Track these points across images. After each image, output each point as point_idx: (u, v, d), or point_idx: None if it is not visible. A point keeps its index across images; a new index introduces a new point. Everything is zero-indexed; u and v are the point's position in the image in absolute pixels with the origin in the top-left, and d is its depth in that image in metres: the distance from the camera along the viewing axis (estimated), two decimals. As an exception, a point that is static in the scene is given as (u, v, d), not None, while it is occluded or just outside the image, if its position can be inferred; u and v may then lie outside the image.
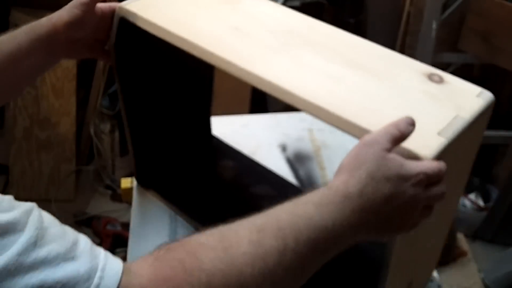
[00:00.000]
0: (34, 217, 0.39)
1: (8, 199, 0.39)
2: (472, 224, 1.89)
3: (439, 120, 0.54)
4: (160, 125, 0.92)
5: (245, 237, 0.43)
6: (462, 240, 1.82)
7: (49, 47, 0.68)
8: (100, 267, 0.39)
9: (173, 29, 0.66)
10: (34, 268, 0.36)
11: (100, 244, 1.80)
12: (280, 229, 0.44)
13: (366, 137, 0.50)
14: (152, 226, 0.89)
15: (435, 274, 0.88)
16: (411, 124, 0.51)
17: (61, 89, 1.95)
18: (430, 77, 0.61)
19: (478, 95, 0.59)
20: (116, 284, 0.39)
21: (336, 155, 1.06)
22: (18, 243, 0.36)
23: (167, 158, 0.96)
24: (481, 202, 1.94)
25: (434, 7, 1.72)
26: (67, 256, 0.38)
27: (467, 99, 0.58)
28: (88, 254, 0.40)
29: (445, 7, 1.78)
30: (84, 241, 0.41)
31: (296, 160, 1.06)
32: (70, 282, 0.37)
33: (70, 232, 0.41)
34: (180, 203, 0.90)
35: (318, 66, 0.61)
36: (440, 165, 0.49)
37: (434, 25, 1.74)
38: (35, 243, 0.37)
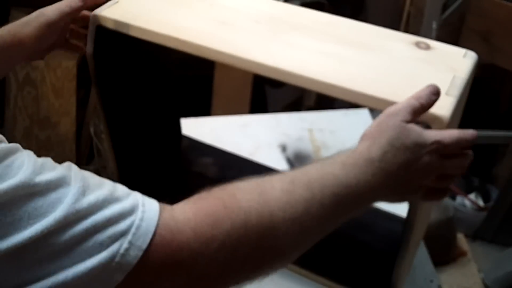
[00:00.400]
0: (75, 170, 0.44)
1: (50, 160, 0.43)
2: (472, 224, 1.89)
3: (441, 82, 0.58)
4: (139, 132, 0.91)
5: (278, 186, 0.48)
6: (462, 240, 1.82)
7: (8, 59, 0.69)
8: (140, 202, 0.44)
9: (164, 32, 0.65)
10: (88, 214, 0.40)
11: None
12: (309, 182, 0.49)
13: (389, 109, 0.54)
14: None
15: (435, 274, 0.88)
16: (435, 93, 0.54)
17: (61, 89, 1.95)
18: (418, 44, 0.65)
19: (464, 56, 0.64)
20: (157, 215, 0.43)
21: (336, 155, 1.06)
22: (70, 194, 0.40)
23: (148, 164, 0.96)
24: (481, 202, 1.94)
25: (434, 7, 1.72)
26: (112, 198, 0.42)
27: (456, 61, 0.63)
28: (127, 194, 0.44)
29: (445, 7, 1.78)
30: (120, 185, 0.45)
31: (296, 160, 1.06)
32: (118, 218, 0.41)
33: (106, 180, 0.46)
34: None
35: (312, 46, 0.64)
36: (460, 134, 0.53)
37: (434, 25, 1.74)
38: (83, 192, 0.41)
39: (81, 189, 0.41)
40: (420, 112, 0.54)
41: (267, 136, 1.12)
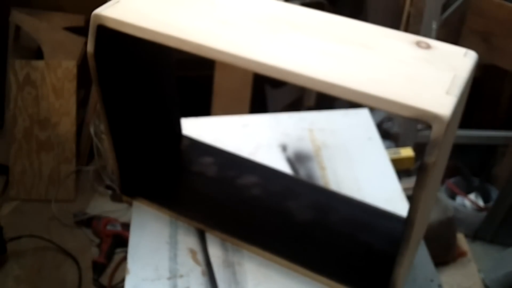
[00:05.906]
0: None
1: None
2: (472, 224, 1.89)
3: (442, 81, 0.59)
4: (140, 132, 0.91)
5: None
6: (462, 240, 1.82)
7: None
8: None
9: (166, 31, 0.66)
10: None
11: (100, 244, 1.80)
12: None
13: None
14: (152, 226, 0.89)
15: (435, 273, 0.88)
16: None
17: (61, 89, 1.95)
18: (418, 44, 0.65)
19: (465, 55, 0.64)
20: None
21: (336, 155, 1.06)
22: None
23: (148, 164, 0.96)
24: (481, 203, 1.94)
25: (434, 7, 1.72)
26: None
27: (457, 60, 0.63)
28: None
29: (445, 7, 1.78)
30: None
31: (297, 160, 1.06)
32: None
33: None
34: (172, 206, 0.90)
35: (313, 45, 0.64)
36: None
37: (434, 25, 1.74)
38: None
39: None
40: None
41: (267, 136, 1.12)
